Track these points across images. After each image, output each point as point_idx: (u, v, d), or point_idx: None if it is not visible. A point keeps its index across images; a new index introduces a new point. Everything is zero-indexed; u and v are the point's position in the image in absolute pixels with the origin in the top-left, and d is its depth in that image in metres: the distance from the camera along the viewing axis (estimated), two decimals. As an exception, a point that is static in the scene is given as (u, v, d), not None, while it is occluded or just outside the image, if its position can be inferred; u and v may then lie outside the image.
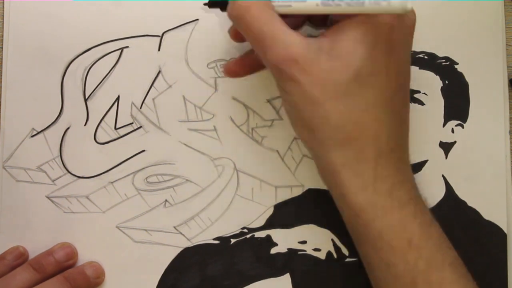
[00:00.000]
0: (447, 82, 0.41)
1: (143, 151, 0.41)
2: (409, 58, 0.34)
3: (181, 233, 0.41)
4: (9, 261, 0.39)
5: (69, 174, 0.40)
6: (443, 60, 0.41)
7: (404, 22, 0.32)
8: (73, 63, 0.40)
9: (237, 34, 0.36)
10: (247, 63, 0.37)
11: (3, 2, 0.41)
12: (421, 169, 0.41)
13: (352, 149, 0.32)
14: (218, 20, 0.37)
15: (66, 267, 0.39)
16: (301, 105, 0.32)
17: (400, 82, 0.33)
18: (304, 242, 0.41)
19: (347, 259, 0.41)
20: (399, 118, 0.33)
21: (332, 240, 0.41)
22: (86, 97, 0.40)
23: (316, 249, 0.41)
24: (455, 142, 0.41)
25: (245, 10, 0.31)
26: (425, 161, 0.41)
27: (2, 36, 0.41)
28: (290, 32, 0.31)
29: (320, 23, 0.36)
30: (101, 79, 0.40)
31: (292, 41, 0.31)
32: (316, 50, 0.31)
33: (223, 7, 0.34)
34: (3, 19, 0.41)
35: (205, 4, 0.34)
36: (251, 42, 0.32)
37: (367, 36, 0.31)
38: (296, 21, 0.35)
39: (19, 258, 0.39)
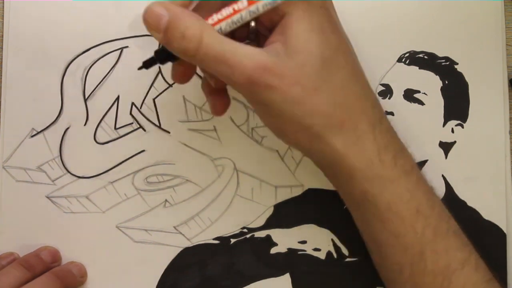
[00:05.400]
0: (447, 82, 0.41)
1: (143, 151, 0.41)
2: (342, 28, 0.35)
3: (181, 233, 0.41)
4: (3, 266, 0.39)
5: (69, 174, 0.40)
6: (443, 60, 0.41)
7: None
8: (73, 63, 0.40)
9: (180, 75, 0.35)
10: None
11: (3, 2, 0.41)
12: (421, 169, 0.41)
13: (349, 129, 0.32)
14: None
15: (51, 268, 0.39)
16: (286, 109, 0.31)
17: (352, 55, 0.34)
18: (304, 242, 0.41)
19: (347, 259, 0.41)
20: (369, 87, 0.34)
21: (332, 240, 0.41)
22: (86, 97, 0.40)
23: (316, 249, 0.41)
24: (455, 142, 0.41)
25: (198, 41, 0.30)
26: (425, 161, 0.41)
27: (2, 36, 0.41)
28: (246, 46, 0.31)
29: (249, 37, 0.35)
30: (101, 79, 0.40)
31: (254, 52, 0.30)
32: (276, 55, 0.31)
33: (171, 59, 0.33)
34: (3, 19, 0.41)
35: (140, 68, 0.34)
36: (214, 68, 0.31)
37: (313, 23, 0.31)
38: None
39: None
